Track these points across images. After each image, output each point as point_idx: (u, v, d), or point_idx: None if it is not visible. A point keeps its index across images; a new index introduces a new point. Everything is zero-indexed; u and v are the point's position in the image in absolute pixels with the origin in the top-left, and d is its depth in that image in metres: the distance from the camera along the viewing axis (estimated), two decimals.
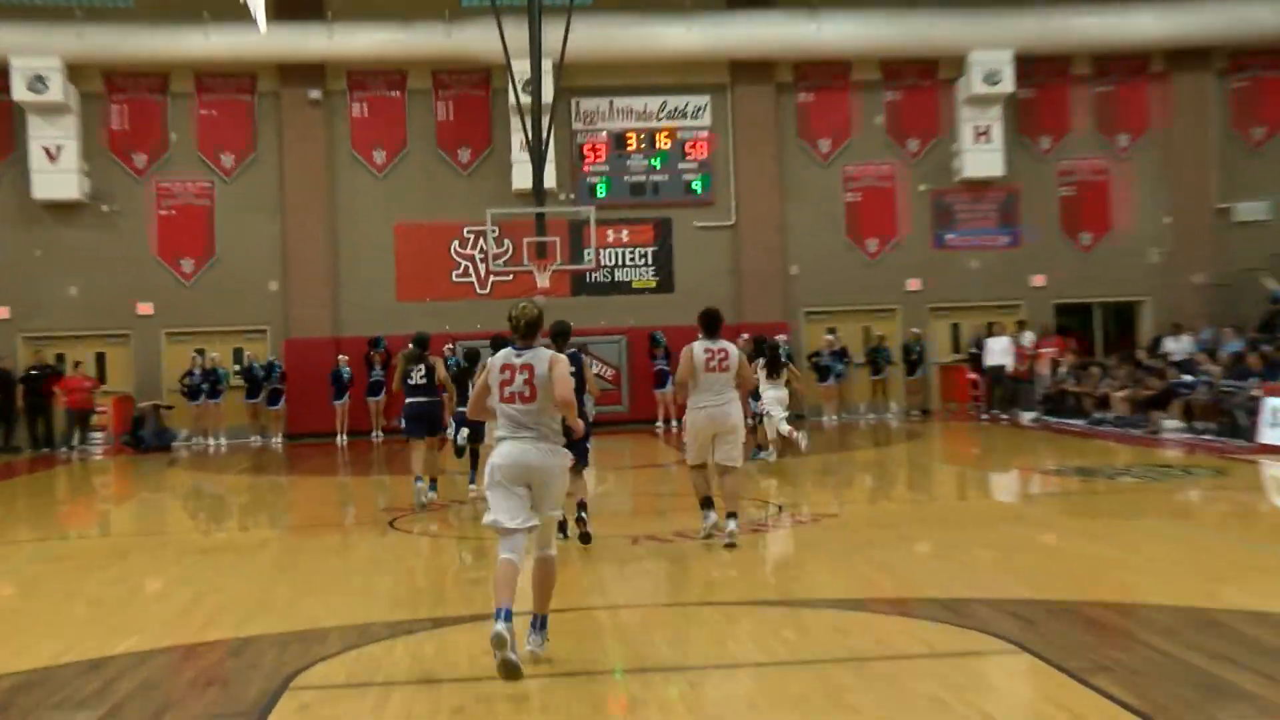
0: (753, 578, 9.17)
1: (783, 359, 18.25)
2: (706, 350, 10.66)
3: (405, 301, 27.33)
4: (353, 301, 27.34)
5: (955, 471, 17.65)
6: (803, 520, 11.98)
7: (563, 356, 6.91)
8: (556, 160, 26.82)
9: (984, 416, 25.33)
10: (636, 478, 17.99)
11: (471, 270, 27.49)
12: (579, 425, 7.15)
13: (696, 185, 27.90)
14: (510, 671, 6.27)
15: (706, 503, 10.96)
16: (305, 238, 27.01)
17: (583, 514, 10.85)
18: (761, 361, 17.88)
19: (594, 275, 27.51)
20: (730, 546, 10.16)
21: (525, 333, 6.91)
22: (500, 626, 6.33)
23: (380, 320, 27.12)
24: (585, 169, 27.67)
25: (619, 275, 27.80)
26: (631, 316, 27.47)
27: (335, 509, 15.03)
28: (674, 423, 25.63)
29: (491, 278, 27.28)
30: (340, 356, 26.14)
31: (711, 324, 10.73)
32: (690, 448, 10.79)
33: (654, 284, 27.90)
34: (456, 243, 27.54)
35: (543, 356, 6.84)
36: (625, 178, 27.77)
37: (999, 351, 25.20)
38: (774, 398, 18.01)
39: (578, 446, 10.45)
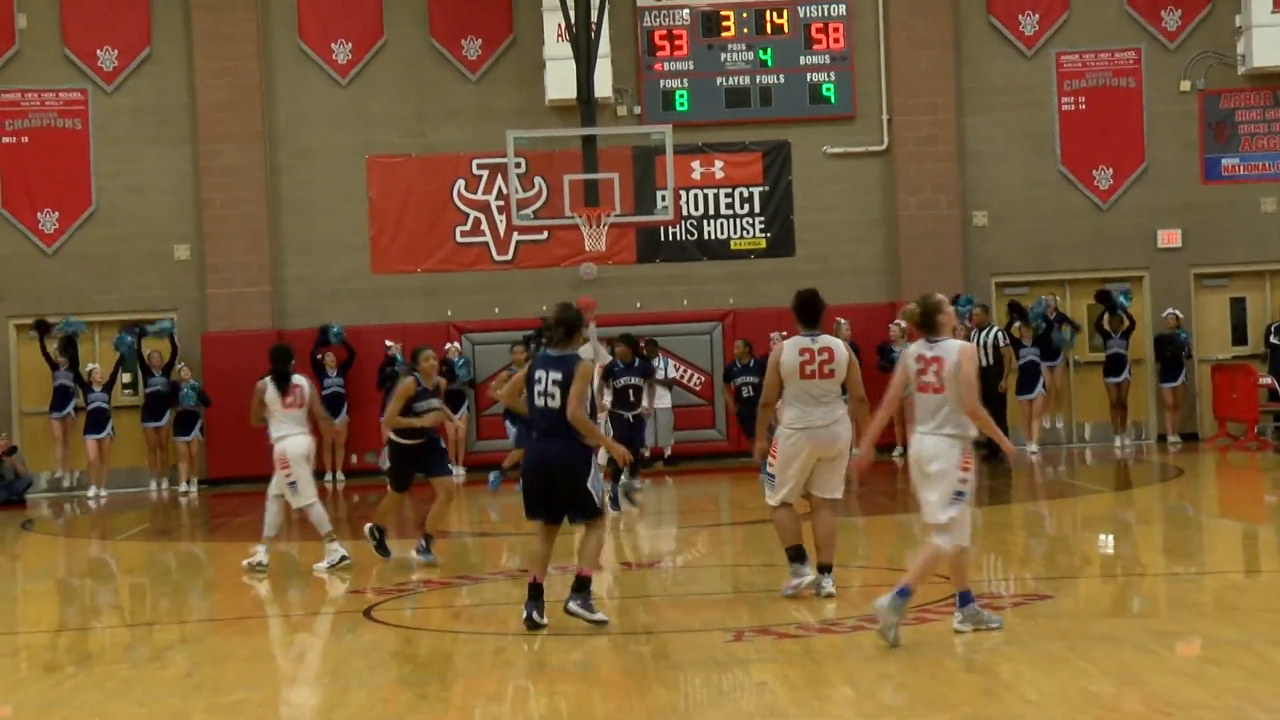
0: (922, 691, 9.12)
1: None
2: (803, 351, 11.83)
3: (384, 274, 27.51)
4: (303, 276, 27.55)
5: (1240, 530, 17.44)
6: (998, 604, 11.88)
7: (971, 349, 10.48)
8: (614, 55, 26.87)
9: None
10: (738, 539, 17.94)
11: (485, 226, 27.60)
12: (989, 423, 10.45)
13: (828, 90, 27.82)
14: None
15: (798, 553, 12.30)
16: (229, 179, 27.26)
17: (577, 600, 11.47)
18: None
19: (672, 231, 27.50)
20: (829, 596, 11.97)
21: (925, 323, 10.51)
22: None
23: (347, 304, 27.31)
24: (657, 69, 27.70)
25: (710, 231, 27.79)
26: (731, 294, 27.43)
27: (280, 592, 15.07)
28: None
29: (515, 237, 27.39)
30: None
31: (810, 312, 11.93)
32: (778, 480, 12.14)
33: (764, 244, 27.86)
34: (462, 184, 27.67)
35: (952, 349, 10.41)
36: (719, 81, 27.76)
37: None
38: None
39: (576, 486, 11.46)
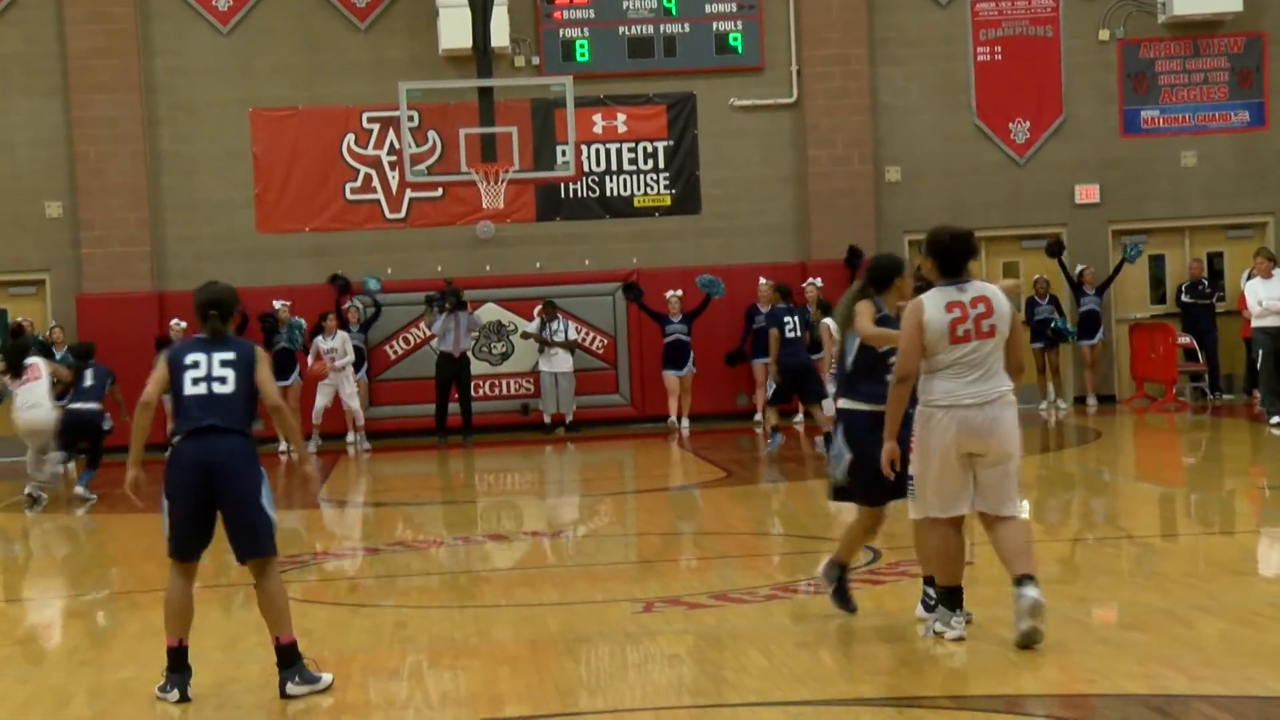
0: (840, 662, 9.23)
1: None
2: (952, 305, 9.27)
3: (270, 234, 27.34)
4: (185, 235, 27.33)
5: (1158, 494, 17.68)
6: (917, 572, 12.02)
7: None
8: (510, 3, 26.75)
9: (1217, 403, 25.18)
10: (644, 507, 18.02)
11: (376, 182, 27.47)
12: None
13: (735, 40, 27.86)
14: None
15: (950, 598, 9.57)
16: (105, 133, 26.98)
17: (294, 675, 9.04)
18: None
19: (573, 188, 27.48)
20: (1027, 646, 9.12)
21: None
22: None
23: (232, 264, 27.08)
24: (556, 16, 27.64)
25: (613, 188, 27.78)
26: (634, 253, 27.44)
27: (168, 565, 15.05)
28: (685, 421, 25.72)
29: (408, 194, 27.26)
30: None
31: (956, 256, 9.47)
32: (918, 481, 9.52)
33: (668, 200, 27.88)
34: (352, 138, 27.52)
35: None
36: (620, 30, 27.71)
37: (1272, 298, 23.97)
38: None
39: (246, 503, 9.06)
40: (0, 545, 17.46)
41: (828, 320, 20.96)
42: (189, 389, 9.07)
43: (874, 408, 9.85)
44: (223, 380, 9.07)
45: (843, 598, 10.33)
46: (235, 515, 9.04)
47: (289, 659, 9.00)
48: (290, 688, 8.93)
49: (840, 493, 10.26)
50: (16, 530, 18.57)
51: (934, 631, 9.49)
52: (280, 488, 21.19)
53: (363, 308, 26.09)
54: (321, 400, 25.42)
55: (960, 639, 9.34)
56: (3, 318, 27.20)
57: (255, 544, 9.10)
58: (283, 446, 25.62)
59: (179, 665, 9.00)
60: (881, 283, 10.13)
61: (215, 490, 9.00)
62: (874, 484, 9.88)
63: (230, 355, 9.13)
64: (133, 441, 9.29)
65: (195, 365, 9.10)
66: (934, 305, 9.24)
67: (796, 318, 21.14)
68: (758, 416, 25.75)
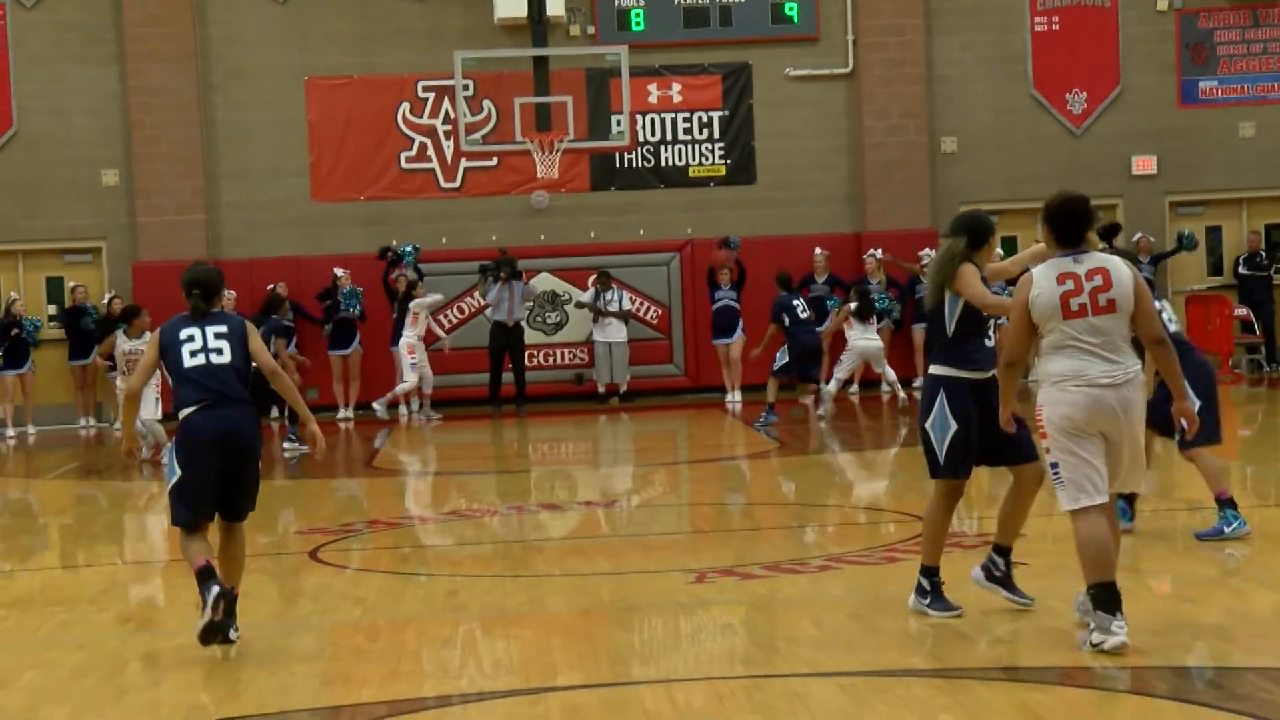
0: (891, 633, 9.23)
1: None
2: (1065, 276, 8.60)
3: (325, 202, 27.44)
4: (240, 203, 27.46)
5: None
6: (969, 543, 12.01)
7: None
8: None
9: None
10: (697, 477, 18.05)
11: (431, 151, 27.53)
12: None
13: (790, 9, 27.80)
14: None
15: (1107, 596, 8.43)
16: (161, 101, 27.10)
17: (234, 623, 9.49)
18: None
19: (628, 158, 27.50)
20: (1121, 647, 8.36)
21: None
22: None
23: (286, 232, 27.24)
24: None
25: (668, 157, 27.78)
26: (689, 223, 27.43)
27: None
28: (737, 393, 25.56)
29: (463, 163, 27.32)
30: (340, 273, 26.16)
31: (1073, 224, 8.74)
32: (1064, 469, 8.62)
33: (723, 171, 27.87)
34: (407, 107, 27.58)
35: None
36: (675, 0, 27.74)
37: None
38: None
39: (255, 470, 9.72)
40: (54, 512, 17.62)
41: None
42: (188, 361, 9.54)
43: (978, 375, 9.41)
44: (219, 351, 9.55)
45: (943, 604, 9.48)
46: (245, 480, 9.63)
47: (234, 606, 9.46)
48: (234, 634, 9.41)
49: (947, 469, 9.43)
50: (69, 498, 18.72)
51: (1090, 644, 8.37)
52: (338, 455, 21.37)
53: (409, 278, 25.93)
54: (414, 381, 25.28)
55: (1123, 644, 8.25)
56: (59, 286, 27.40)
57: (250, 505, 9.74)
58: (341, 414, 25.73)
59: (208, 578, 9.25)
60: (979, 242, 9.50)
61: (234, 458, 9.53)
62: (969, 457, 9.45)
63: (223, 328, 9.63)
64: (125, 425, 10.48)
65: (191, 339, 9.58)
66: (1044, 279, 8.61)
67: (804, 300, 23.06)
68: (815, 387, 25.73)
